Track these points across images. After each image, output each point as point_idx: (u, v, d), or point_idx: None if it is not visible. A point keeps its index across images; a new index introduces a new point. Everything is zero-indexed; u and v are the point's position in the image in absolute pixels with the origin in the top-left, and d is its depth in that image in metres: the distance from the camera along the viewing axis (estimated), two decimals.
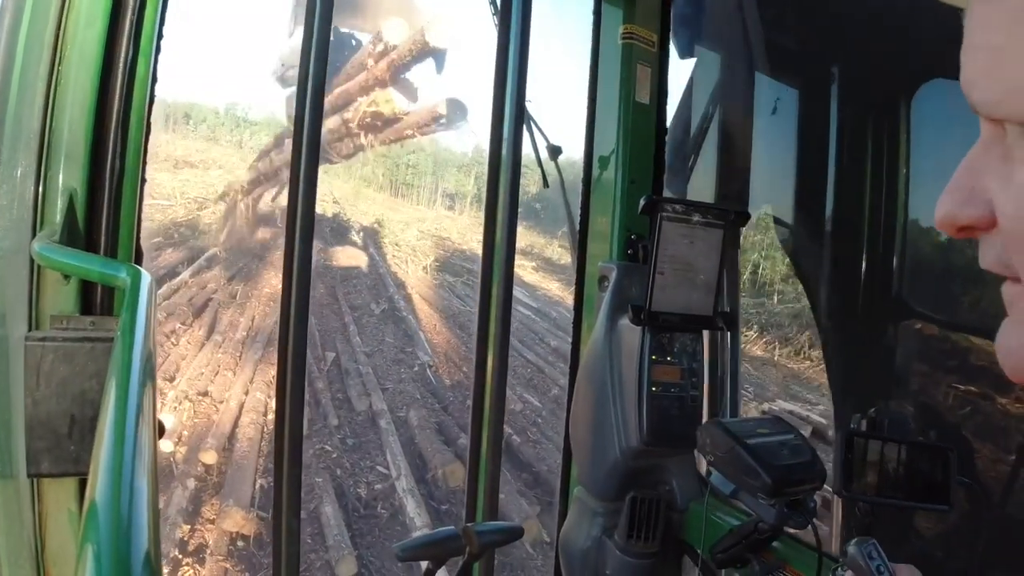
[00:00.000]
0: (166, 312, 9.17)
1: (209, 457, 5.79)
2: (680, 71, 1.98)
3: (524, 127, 1.95)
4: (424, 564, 1.31)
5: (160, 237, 12.97)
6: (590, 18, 1.93)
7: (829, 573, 1.32)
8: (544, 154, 1.98)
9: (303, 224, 1.65)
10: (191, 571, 4.57)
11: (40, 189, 1.22)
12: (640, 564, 1.62)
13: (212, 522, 5.05)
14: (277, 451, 1.72)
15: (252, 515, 5.06)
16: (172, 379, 7.34)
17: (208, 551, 4.70)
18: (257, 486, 5.58)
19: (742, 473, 1.31)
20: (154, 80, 1.39)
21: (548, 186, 2.01)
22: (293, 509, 1.70)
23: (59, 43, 1.25)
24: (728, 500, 1.41)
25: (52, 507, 1.19)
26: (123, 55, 1.32)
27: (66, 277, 1.21)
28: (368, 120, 11.94)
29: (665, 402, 1.58)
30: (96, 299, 1.26)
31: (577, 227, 1.97)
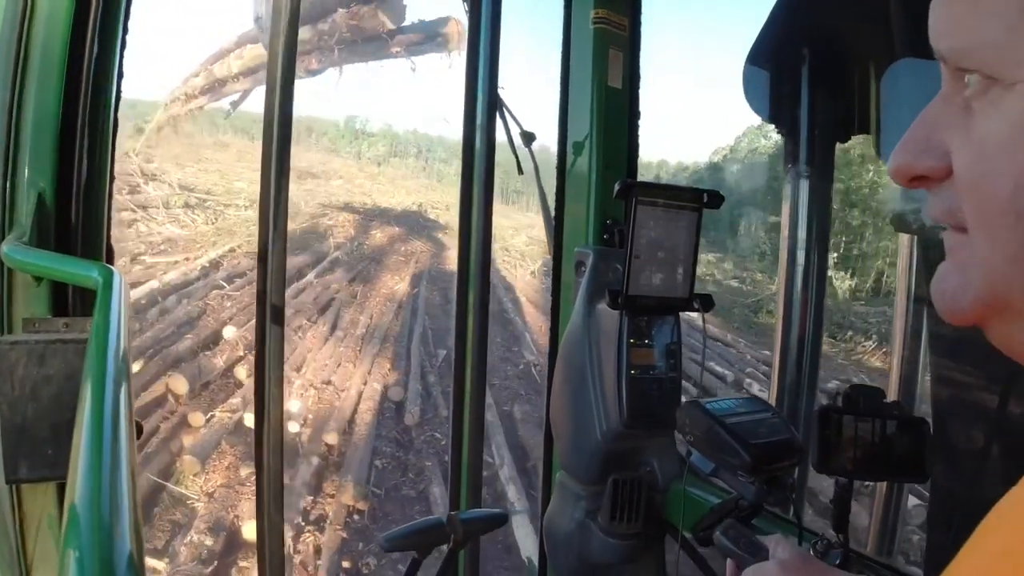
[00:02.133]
0: (294, 309, 9.51)
1: (331, 438, 6.24)
2: (651, 55, 1.98)
3: (497, 114, 1.95)
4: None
5: (287, 242, 13.30)
6: (561, 3, 1.92)
7: (809, 547, 1.34)
8: (517, 141, 1.98)
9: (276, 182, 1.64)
10: (312, 538, 4.97)
11: (7, 190, 1.20)
12: (624, 545, 1.64)
13: (332, 496, 5.50)
14: (257, 450, 1.71)
15: (367, 490, 5.53)
16: (299, 369, 7.72)
17: (328, 521, 5.13)
18: (372, 465, 6.03)
19: (721, 452, 1.32)
20: (120, 76, 1.37)
21: (522, 172, 2.01)
22: (276, 504, 1.70)
23: (22, 41, 1.23)
24: (708, 479, 1.43)
25: (32, 513, 1.18)
26: (88, 52, 1.29)
27: (37, 279, 1.19)
28: (347, 34, 11.40)
29: (644, 385, 1.59)
30: (68, 300, 1.25)
31: (552, 213, 1.97)
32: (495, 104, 1.93)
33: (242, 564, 4.58)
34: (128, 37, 1.39)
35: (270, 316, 1.66)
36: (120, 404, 0.70)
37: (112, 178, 1.38)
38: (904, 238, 2.63)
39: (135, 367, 6.85)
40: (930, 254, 2.38)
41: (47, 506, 1.18)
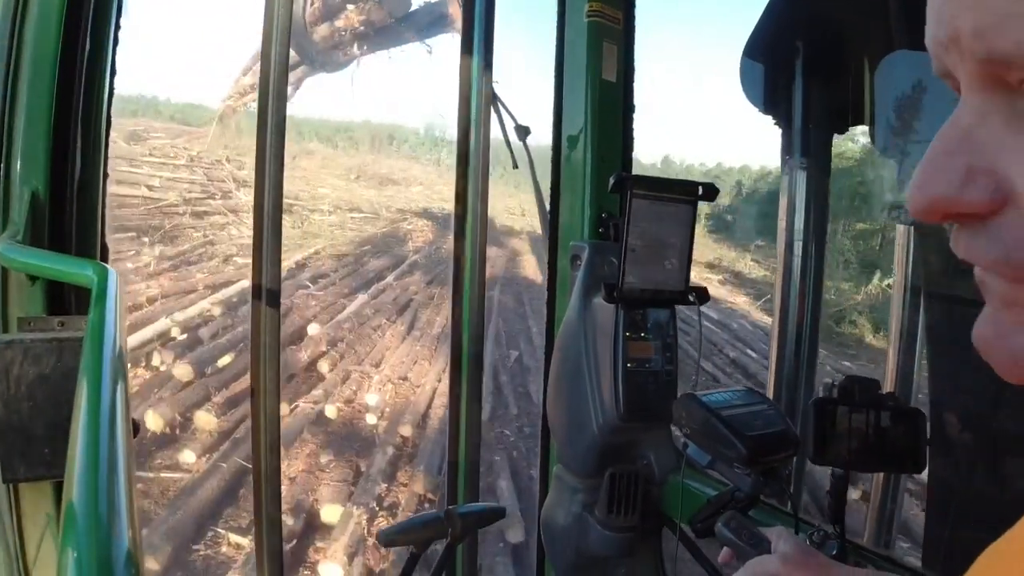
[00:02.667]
0: (375, 309, 9.82)
1: (406, 430, 6.49)
2: (645, 48, 1.98)
3: (492, 109, 1.95)
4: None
5: (369, 246, 13.74)
6: None
7: (805, 538, 1.35)
8: (512, 135, 1.98)
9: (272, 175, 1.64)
10: (385, 523, 5.10)
11: (1, 189, 1.20)
12: (621, 538, 1.64)
13: (405, 485, 5.70)
14: (255, 449, 1.71)
15: (438, 481, 5.65)
16: (377, 365, 7.99)
17: (400, 508, 5.32)
18: (443, 457, 6.08)
19: (717, 444, 1.33)
20: (113, 73, 1.36)
21: (517, 167, 2.01)
22: (274, 501, 1.70)
23: (14, 38, 1.22)
24: (705, 471, 1.44)
25: (30, 512, 1.18)
26: (80, 49, 1.29)
27: (31, 278, 1.19)
28: (360, 28, 11.53)
29: (640, 378, 1.60)
30: (63, 299, 1.24)
31: (547, 207, 1.97)
32: (490, 98, 1.93)
33: (319, 544, 4.77)
34: (121, 34, 1.38)
35: (265, 315, 1.66)
36: (117, 402, 0.70)
37: (106, 175, 1.38)
38: (901, 229, 2.63)
39: (226, 359, 7.31)
40: (927, 244, 2.39)
41: (45, 505, 1.17)
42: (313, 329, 8.57)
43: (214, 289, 9.42)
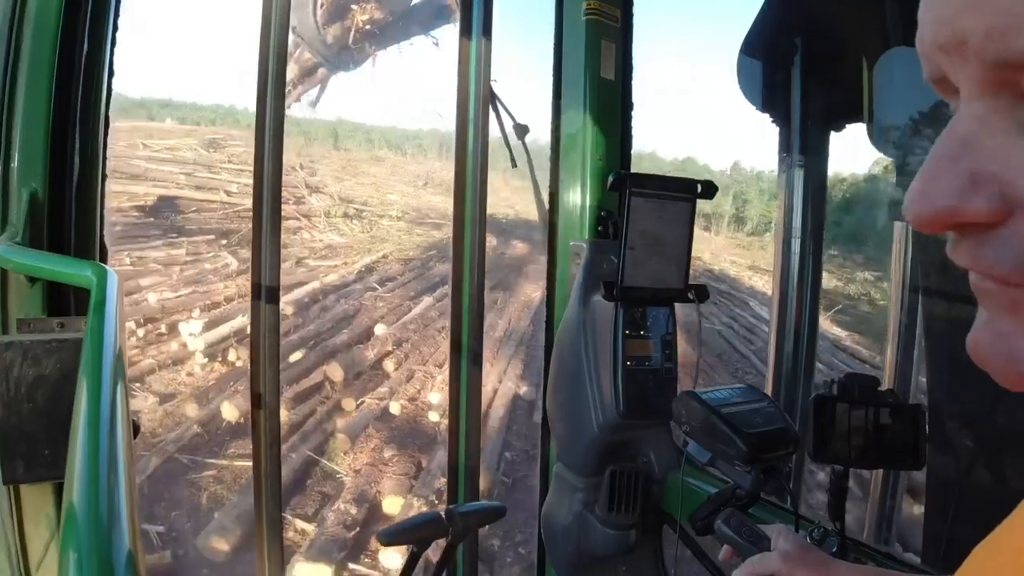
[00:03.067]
0: (440, 312, 9.93)
1: None
2: (643, 46, 1.98)
3: (491, 107, 1.95)
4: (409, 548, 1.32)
5: (434, 251, 14.10)
6: None
7: (805, 535, 1.35)
8: (511, 133, 1.98)
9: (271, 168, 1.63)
10: None
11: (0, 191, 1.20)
12: (621, 536, 1.64)
13: None
14: (255, 445, 1.71)
15: (498, 478, 5.80)
16: (441, 365, 8.06)
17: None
18: (502, 456, 6.28)
19: (718, 441, 1.33)
20: (111, 74, 1.36)
21: (516, 165, 2.01)
22: (274, 501, 1.70)
23: (12, 39, 1.22)
24: (705, 469, 1.44)
25: (30, 513, 1.18)
26: (78, 49, 1.29)
27: (31, 279, 1.19)
28: (367, 28, 11.72)
29: (640, 376, 1.60)
30: (63, 300, 1.24)
31: (547, 206, 1.97)
32: (488, 97, 1.93)
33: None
34: (119, 35, 1.38)
35: (265, 315, 1.66)
36: (116, 403, 0.70)
37: (105, 176, 1.37)
38: (899, 226, 2.63)
39: (298, 355, 7.55)
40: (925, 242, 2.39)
41: (45, 506, 1.17)
42: (380, 329, 8.81)
43: (286, 290, 9.62)
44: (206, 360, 7.50)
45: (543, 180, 1.98)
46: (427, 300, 10.43)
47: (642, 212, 1.57)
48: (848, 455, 1.37)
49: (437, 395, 7.21)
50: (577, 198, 1.85)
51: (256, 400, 1.70)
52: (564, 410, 1.75)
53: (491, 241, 16.72)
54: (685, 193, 1.62)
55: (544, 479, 1.97)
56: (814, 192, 2.67)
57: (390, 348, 8.34)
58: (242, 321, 7.88)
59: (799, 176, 2.65)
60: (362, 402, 6.93)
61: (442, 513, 1.36)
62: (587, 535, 1.68)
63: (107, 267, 1.08)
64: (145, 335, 7.92)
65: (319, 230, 14.57)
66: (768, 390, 2.73)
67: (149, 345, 7.72)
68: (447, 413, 2.11)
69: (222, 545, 4.47)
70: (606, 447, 1.65)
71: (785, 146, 2.66)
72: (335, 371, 7.27)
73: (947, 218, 0.32)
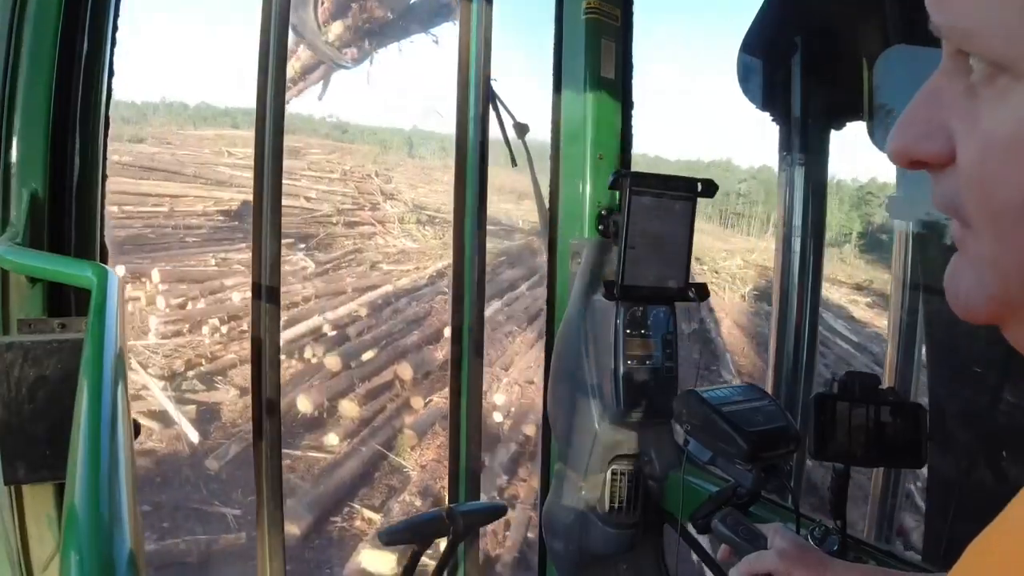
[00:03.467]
0: (506, 316, 10.20)
1: (529, 429, 6.74)
2: (643, 45, 1.98)
3: (490, 106, 1.95)
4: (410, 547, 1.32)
5: (504, 257, 14.17)
6: None
7: (806, 534, 1.35)
8: (511, 132, 1.97)
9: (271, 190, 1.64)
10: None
11: (0, 192, 1.19)
12: (623, 534, 1.65)
13: (524, 480, 6.03)
14: (256, 446, 1.71)
15: None
16: (507, 368, 8.28)
17: (519, 501, 5.64)
18: None
19: (718, 440, 1.33)
20: (111, 74, 1.36)
21: (516, 164, 2.01)
22: (276, 501, 1.70)
23: (12, 40, 1.22)
24: (706, 467, 1.44)
25: (31, 514, 1.18)
26: (78, 49, 1.28)
27: (31, 280, 1.19)
28: (368, 25, 11.74)
29: (641, 374, 1.60)
30: (64, 301, 1.24)
31: (547, 204, 1.97)
32: (488, 96, 1.93)
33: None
34: (119, 35, 1.38)
35: (265, 315, 1.66)
36: (117, 403, 0.70)
37: (105, 176, 1.37)
38: (900, 224, 2.62)
39: (370, 354, 7.83)
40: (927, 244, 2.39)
41: (46, 507, 1.17)
42: (449, 332, 8.85)
43: (361, 292, 9.97)
44: (283, 357, 7.63)
45: (543, 179, 1.98)
46: (495, 305, 10.50)
47: (642, 211, 1.57)
48: (849, 453, 1.37)
49: (502, 396, 7.41)
50: (577, 197, 1.85)
51: (257, 400, 1.69)
52: (565, 409, 1.75)
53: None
54: (685, 192, 1.63)
55: (545, 478, 1.97)
56: (814, 191, 2.66)
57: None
58: (317, 321, 8.32)
59: (799, 175, 2.64)
60: (430, 400, 7.16)
61: (443, 512, 1.36)
62: (588, 534, 1.68)
63: (108, 268, 1.08)
64: (228, 331, 8.26)
65: (393, 236, 14.79)
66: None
67: (231, 341, 8.08)
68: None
69: (292, 529, 4.70)
70: (607, 446, 1.65)
71: (785, 145, 2.65)
72: (405, 370, 7.55)
73: (908, 156, 0.39)
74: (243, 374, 7.13)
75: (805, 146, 2.60)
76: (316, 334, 8.11)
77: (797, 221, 2.66)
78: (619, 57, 1.87)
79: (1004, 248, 0.35)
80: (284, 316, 8.22)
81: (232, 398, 6.88)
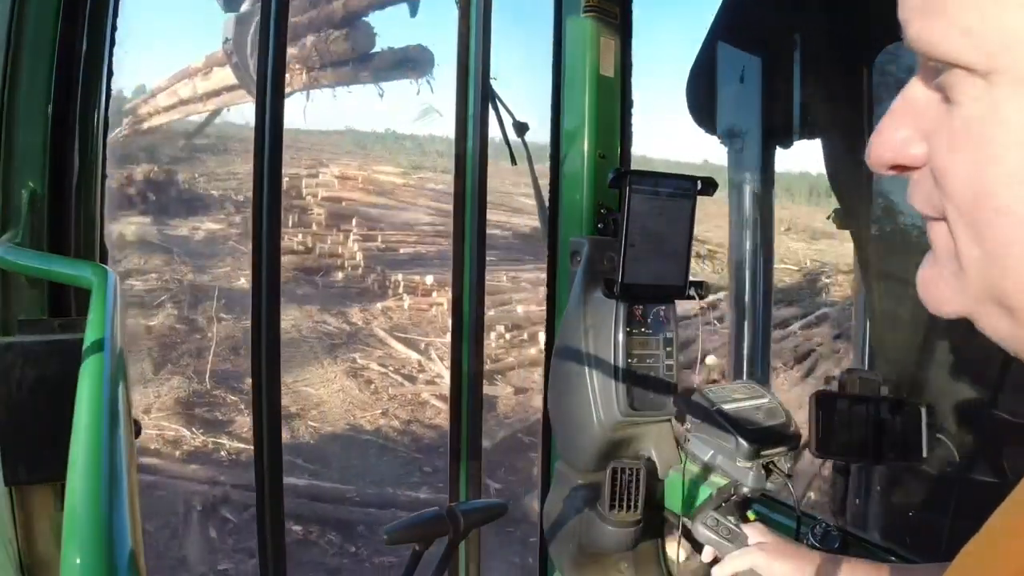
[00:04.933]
0: (773, 353, 10.34)
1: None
2: (643, 43, 1.98)
3: (490, 105, 1.95)
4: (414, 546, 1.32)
5: (781, 295, 13.99)
6: None
7: (808, 532, 1.35)
8: (511, 131, 1.97)
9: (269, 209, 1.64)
10: None
11: None
12: (623, 532, 1.64)
13: None
14: (256, 447, 1.71)
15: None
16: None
17: None
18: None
19: (719, 438, 1.33)
20: (110, 74, 1.36)
21: (515, 163, 2.01)
22: (275, 499, 1.70)
23: (11, 39, 1.22)
24: (707, 466, 1.44)
25: (33, 515, 1.18)
26: (77, 49, 1.28)
27: (31, 280, 1.19)
28: (315, 58, 11.55)
29: (641, 373, 1.60)
30: (63, 301, 1.24)
31: (547, 203, 1.97)
32: (487, 95, 1.93)
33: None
34: (117, 35, 1.38)
35: (265, 317, 1.66)
36: (118, 403, 0.70)
37: (104, 176, 1.37)
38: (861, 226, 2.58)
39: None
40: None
41: (47, 507, 1.17)
42: (711, 360, 9.01)
43: None
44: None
45: (543, 178, 1.98)
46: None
47: (642, 209, 1.57)
48: (849, 450, 1.37)
49: None
50: (577, 195, 1.85)
51: (257, 403, 1.70)
52: (565, 407, 1.75)
53: (844, 290, 15.99)
54: (685, 190, 1.62)
55: (545, 476, 1.97)
56: (762, 211, 2.62)
57: (715, 377, 8.64)
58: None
59: (748, 194, 2.60)
60: None
61: (444, 511, 1.36)
62: (588, 532, 1.68)
63: (107, 268, 1.08)
64: (510, 339, 8.94)
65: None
66: None
67: (512, 348, 8.76)
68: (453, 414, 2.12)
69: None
70: (607, 444, 1.65)
71: (734, 163, 2.60)
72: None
73: (882, 160, 0.41)
74: (520, 376, 7.89)
75: (753, 166, 2.56)
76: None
77: (748, 244, 2.62)
78: (619, 55, 1.87)
79: (973, 240, 0.37)
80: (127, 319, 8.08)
81: (507, 394, 7.66)
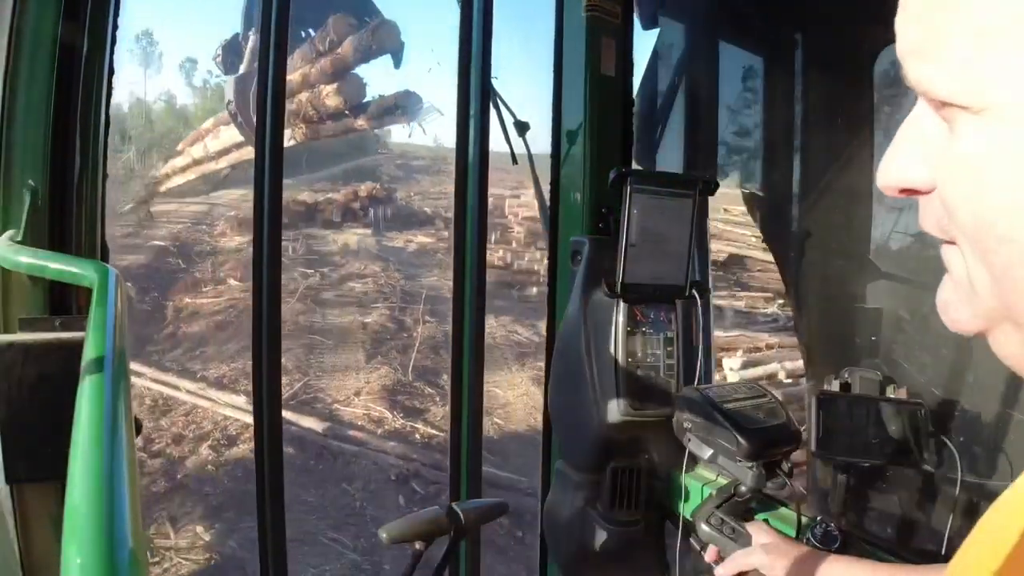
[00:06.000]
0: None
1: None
2: (644, 43, 1.98)
3: (491, 104, 1.94)
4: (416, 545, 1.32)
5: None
6: None
7: (808, 532, 1.35)
8: (512, 131, 1.97)
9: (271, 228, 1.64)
10: None
11: (1, 190, 1.19)
12: (624, 532, 1.64)
13: None
14: (257, 448, 1.72)
15: None
16: None
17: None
18: None
19: (720, 438, 1.33)
20: (111, 73, 1.36)
21: (516, 163, 2.00)
22: (276, 501, 1.70)
23: (12, 38, 1.22)
24: (707, 465, 1.44)
25: (33, 513, 1.18)
26: (78, 48, 1.28)
27: (32, 278, 1.19)
28: (310, 112, 11.98)
29: (641, 372, 1.60)
30: (65, 299, 1.24)
31: (547, 203, 1.97)
32: (488, 94, 1.93)
33: None
34: (119, 33, 1.38)
35: (266, 316, 1.66)
36: (119, 402, 0.70)
37: (106, 175, 1.37)
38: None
39: None
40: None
41: (47, 506, 1.17)
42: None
43: None
44: None
45: (544, 177, 1.98)
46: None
47: (642, 208, 1.57)
48: (849, 451, 1.37)
49: None
50: (578, 194, 1.85)
51: (257, 403, 1.70)
52: (566, 407, 1.75)
53: None
54: (686, 189, 1.62)
55: (546, 476, 1.97)
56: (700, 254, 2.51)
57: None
58: (774, 367, 8.09)
59: None
60: None
61: (445, 510, 1.36)
62: (589, 532, 1.68)
63: (109, 266, 1.08)
64: None
65: None
66: None
67: None
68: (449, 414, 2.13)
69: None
70: (608, 444, 1.65)
71: None
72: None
73: (890, 184, 0.42)
74: None
75: None
76: (770, 380, 7.67)
77: None
78: (619, 55, 1.86)
79: (981, 264, 0.38)
80: (744, 357, 8.21)
81: None
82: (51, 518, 1.18)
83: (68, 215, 1.27)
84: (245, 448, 6.32)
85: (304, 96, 11.83)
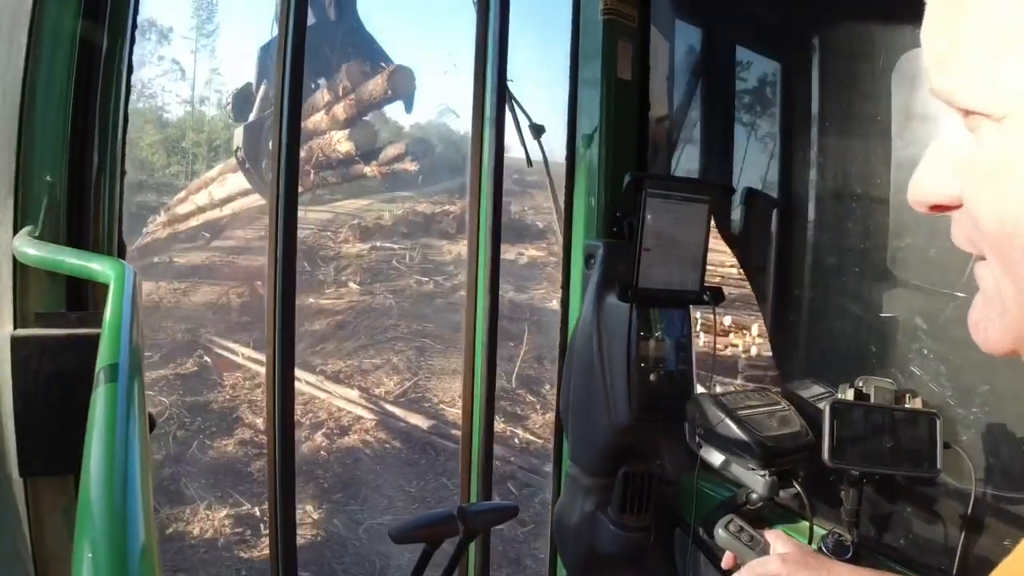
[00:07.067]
0: None
1: None
2: (661, 47, 1.97)
3: (506, 107, 1.94)
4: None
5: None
6: None
7: (820, 541, 1.34)
8: (527, 134, 1.97)
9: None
10: None
11: (19, 185, 1.20)
12: (634, 538, 1.64)
13: None
14: (269, 447, 1.72)
15: None
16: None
17: None
18: None
19: (732, 445, 1.32)
20: (130, 69, 1.37)
21: (531, 165, 2.00)
22: (288, 499, 1.70)
23: (32, 34, 1.23)
24: (719, 472, 1.43)
25: (47, 507, 1.18)
26: (98, 44, 1.29)
27: (50, 273, 1.19)
28: (323, 159, 12.15)
29: (654, 377, 1.59)
30: (81, 294, 1.25)
31: (562, 206, 1.97)
32: (504, 97, 1.93)
33: None
34: (137, 32, 1.39)
35: (279, 313, 1.66)
36: (133, 397, 0.70)
37: (124, 172, 1.38)
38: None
39: None
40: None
41: (61, 499, 1.18)
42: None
43: None
44: None
45: (559, 180, 1.98)
46: None
47: (657, 213, 1.57)
48: (863, 460, 1.36)
49: None
50: (592, 198, 1.85)
51: (272, 402, 1.70)
52: (578, 411, 1.74)
53: None
54: (701, 195, 1.62)
55: (557, 479, 1.96)
56: None
57: None
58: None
59: None
60: None
61: (454, 512, 1.36)
62: (599, 536, 1.68)
63: (125, 262, 1.09)
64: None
65: None
66: None
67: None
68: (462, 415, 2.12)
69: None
70: (619, 449, 1.65)
71: None
72: None
73: (921, 200, 0.42)
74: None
75: None
76: None
77: None
78: (636, 59, 1.86)
79: (1009, 278, 0.38)
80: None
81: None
82: (64, 512, 1.19)
83: (86, 211, 1.28)
84: (356, 438, 6.68)
85: (315, 142, 12.08)
